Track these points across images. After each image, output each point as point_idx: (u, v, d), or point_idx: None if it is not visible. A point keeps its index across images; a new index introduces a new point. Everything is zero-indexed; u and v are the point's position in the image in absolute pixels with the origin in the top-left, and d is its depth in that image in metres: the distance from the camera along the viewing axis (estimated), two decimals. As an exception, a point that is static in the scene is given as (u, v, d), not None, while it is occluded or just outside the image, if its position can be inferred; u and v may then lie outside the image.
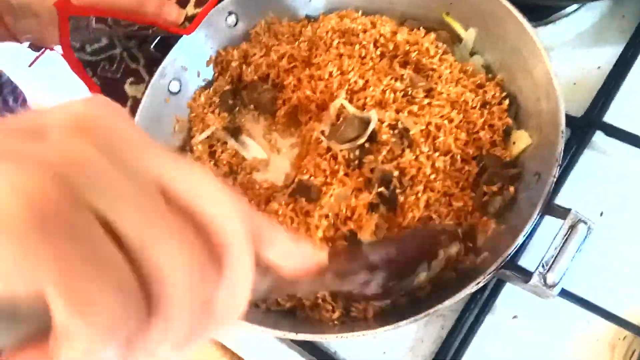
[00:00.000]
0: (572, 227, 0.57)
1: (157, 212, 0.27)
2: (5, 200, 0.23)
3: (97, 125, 0.27)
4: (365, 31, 0.79)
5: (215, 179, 0.30)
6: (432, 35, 0.77)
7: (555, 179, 0.60)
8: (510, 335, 0.68)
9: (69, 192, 0.25)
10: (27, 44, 0.81)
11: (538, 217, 0.60)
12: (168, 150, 0.29)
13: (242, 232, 0.30)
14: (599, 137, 0.74)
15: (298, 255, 0.37)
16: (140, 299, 0.26)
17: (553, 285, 0.56)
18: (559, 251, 0.57)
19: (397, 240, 0.62)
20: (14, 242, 0.23)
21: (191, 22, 0.81)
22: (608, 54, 0.79)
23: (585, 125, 0.74)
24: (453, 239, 0.59)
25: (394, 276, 0.52)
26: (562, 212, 0.58)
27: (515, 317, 0.69)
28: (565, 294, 0.62)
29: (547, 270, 0.56)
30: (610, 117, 0.75)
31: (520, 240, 0.58)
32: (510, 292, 0.69)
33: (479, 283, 0.58)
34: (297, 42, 0.83)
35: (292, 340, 0.72)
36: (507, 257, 0.58)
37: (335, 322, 0.65)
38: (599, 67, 0.80)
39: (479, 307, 0.68)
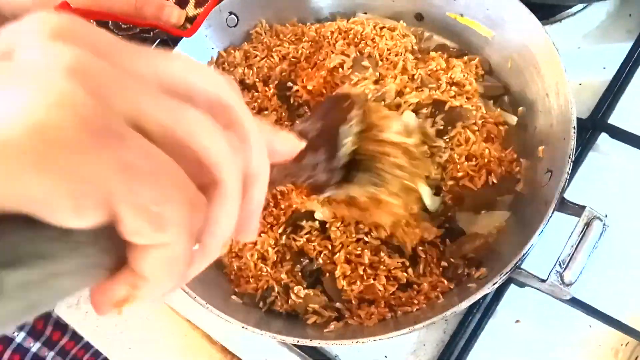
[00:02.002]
0: (588, 224, 0.56)
1: (175, 104, 0.28)
2: (56, 116, 0.23)
3: (76, 31, 0.27)
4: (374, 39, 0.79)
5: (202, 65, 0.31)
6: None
7: (568, 175, 0.59)
8: (512, 339, 0.68)
9: (102, 100, 0.25)
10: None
11: (552, 214, 0.58)
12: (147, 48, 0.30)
13: (240, 102, 0.32)
14: (603, 139, 0.74)
15: (290, 142, 0.42)
16: (196, 192, 0.28)
17: (570, 284, 0.55)
18: (575, 249, 0.55)
19: (316, 115, 0.59)
20: (75, 157, 0.24)
21: (192, 23, 0.80)
22: (614, 54, 0.78)
23: (590, 127, 0.74)
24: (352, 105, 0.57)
25: (330, 151, 0.53)
26: (577, 210, 0.57)
27: (517, 321, 0.69)
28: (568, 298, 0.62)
29: (564, 269, 0.55)
30: (616, 118, 0.74)
31: (536, 238, 0.57)
32: (513, 296, 0.69)
33: (495, 283, 0.57)
34: (300, 44, 0.82)
35: (293, 343, 0.71)
36: (524, 256, 0.57)
37: (332, 331, 0.65)
38: (604, 68, 0.79)
39: (482, 311, 0.68)
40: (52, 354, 0.92)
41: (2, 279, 0.24)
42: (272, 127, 0.41)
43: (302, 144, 0.43)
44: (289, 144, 0.42)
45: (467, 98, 0.73)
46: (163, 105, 0.27)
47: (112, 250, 0.28)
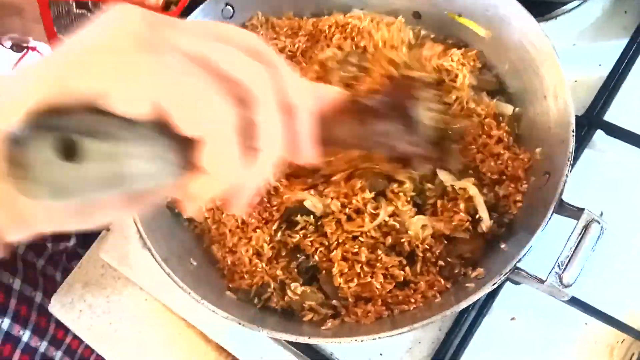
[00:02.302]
0: (586, 227, 0.56)
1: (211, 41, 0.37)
2: (120, 38, 0.33)
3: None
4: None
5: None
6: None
7: (567, 178, 0.59)
8: (508, 337, 0.68)
9: (154, 32, 0.34)
10: (9, 44, 0.80)
11: (551, 216, 0.58)
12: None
13: (274, 52, 0.40)
14: (599, 136, 0.74)
15: (329, 89, 0.48)
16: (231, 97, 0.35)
17: (568, 286, 0.55)
18: (574, 251, 0.56)
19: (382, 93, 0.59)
20: (127, 59, 0.33)
21: (177, 5, 0.80)
22: (609, 51, 0.78)
23: (586, 124, 0.73)
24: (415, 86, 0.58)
25: (405, 122, 0.53)
26: (575, 212, 0.58)
27: (513, 319, 0.69)
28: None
29: (563, 270, 0.56)
30: (611, 115, 0.74)
31: (534, 240, 0.57)
32: (508, 294, 0.69)
33: (495, 284, 0.57)
34: (297, 37, 0.81)
35: (287, 341, 0.71)
36: (522, 256, 0.57)
37: (329, 329, 0.64)
38: (600, 65, 0.79)
39: (477, 309, 0.68)
40: (59, 353, 0.91)
41: (85, 144, 0.32)
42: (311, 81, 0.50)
43: (342, 91, 0.48)
44: (328, 89, 0.48)
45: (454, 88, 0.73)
46: (200, 40, 0.36)
47: (176, 149, 0.35)
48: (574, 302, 0.63)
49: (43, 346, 0.87)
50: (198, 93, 0.34)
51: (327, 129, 0.44)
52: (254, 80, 0.36)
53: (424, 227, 0.66)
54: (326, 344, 0.71)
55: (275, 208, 0.70)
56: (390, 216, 0.66)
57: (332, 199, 0.67)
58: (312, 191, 0.69)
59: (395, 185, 0.67)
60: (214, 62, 0.35)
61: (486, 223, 0.65)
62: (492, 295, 0.69)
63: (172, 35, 0.35)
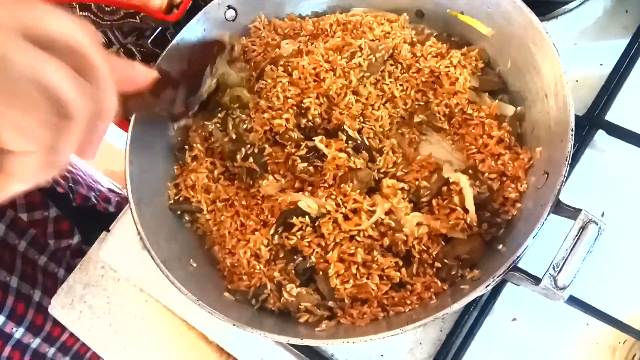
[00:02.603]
0: (583, 228, 0.55)
1: (39, 55, 0.39)
2: None
3: None
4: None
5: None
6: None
7: (565, 179, 0.58)
8: (509, 337, 0.68)
9: None
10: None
11: (547, 217, 0.57)
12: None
13: (95, 48, 0.43)
14: (600, 136, 0.73)
15: (141, 72, 0.55)
16: (51, 114, 0.40)
17: (563, 288, 0.54)
18: (570, 253, 0.55)
19: (185, 57, 0.74)
20: None
21: (178, 8, 0.80)
22: (611, 50, 0.78)
23: (587, 124, 0.73)
24: (223, 48, 0.73)
25: (191, 89, 0.68)
26: (573, 213, 0.57)
27: (514, 319, 0.68)
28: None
29: (558, 272, 0.55)
30: (613, 115, 0.74)
31: (530, 241, 0.56)
32: (510, 294, 0.68)
33: (488, 286, 0.57)
34: (298, 38, 0.81)
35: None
36: (518, 258, 0.56)
37: (323, 330, 0.64)
38: (601, 64, 0.78)
39: (478, 309, 0.68)
40: (53, 350, 0.91)
41: None
42: (126, 61, 0.56)
43: (153, 72, 0.56)
44: (141, 73, 0.55)
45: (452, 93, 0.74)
46: (28, 54, 0.38)
47: None
48: (576, 302, 0.63)
49: (36, 343, 0.88)
50: (26, 115, 0.38)
51: (127, 102, 0.53)
52: (75, 102, 0.41)
53: (419, 224, 0.66)
54: (327, 346, 0.70)
55: (270, 212, 0.71)
56: (386, 214, 0.66)
57: (326, 198, 0.67)
58: (305, 193, 0.69)
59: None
60: (42, 79, 0.39)
61: (471, 215, 0.65)
62: (493, 296, 0.68)
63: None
